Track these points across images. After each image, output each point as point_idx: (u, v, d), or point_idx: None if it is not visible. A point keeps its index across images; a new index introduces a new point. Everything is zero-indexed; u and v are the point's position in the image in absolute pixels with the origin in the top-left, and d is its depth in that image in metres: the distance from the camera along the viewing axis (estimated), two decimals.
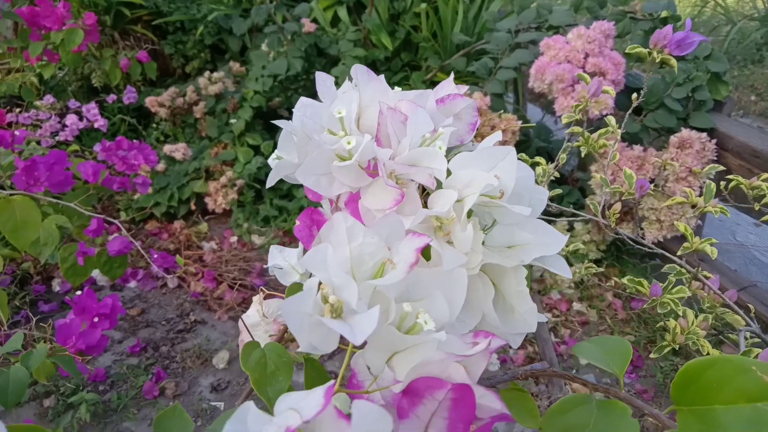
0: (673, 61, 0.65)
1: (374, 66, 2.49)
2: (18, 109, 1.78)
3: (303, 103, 0.43)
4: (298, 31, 2.40)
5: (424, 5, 2.57)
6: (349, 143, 0.36)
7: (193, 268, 2.00)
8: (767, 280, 2.00)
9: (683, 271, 0.69)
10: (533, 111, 2.77)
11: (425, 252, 0.35)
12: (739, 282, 1.78)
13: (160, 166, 2.38)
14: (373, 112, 0.41)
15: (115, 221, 1.08)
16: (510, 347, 1.77)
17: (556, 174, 0.82)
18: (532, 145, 2.16)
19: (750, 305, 0.65)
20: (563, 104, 1.72)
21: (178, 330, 1.86)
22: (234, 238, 2.25)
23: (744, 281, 1.82)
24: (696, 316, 0.61)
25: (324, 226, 0.31)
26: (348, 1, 2.64)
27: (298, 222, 0.40)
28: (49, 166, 1.04)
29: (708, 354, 0.58)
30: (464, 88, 0.47)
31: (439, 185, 0.37)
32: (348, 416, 0.22)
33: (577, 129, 0.72)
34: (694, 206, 0.65)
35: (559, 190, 0.77)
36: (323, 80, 0.43)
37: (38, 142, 1.68)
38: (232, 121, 2.45)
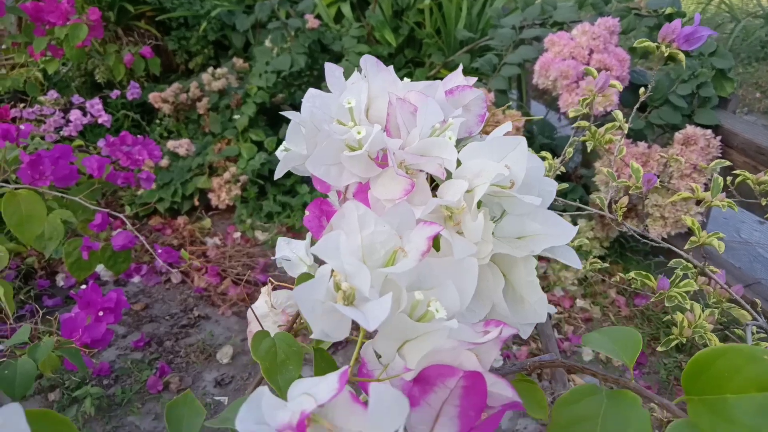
0: (682, 56, 0.65)
1: None
2: (22, 105, 1.79)
3: (312, 94, 0.43)
4: (301, 27, 2.39)
5: (427, 1, 2.57)
6: (359, 133, 0.36)
7: (198, 262, 2.01)
8: None
9: (689, 266, 0.69)
10: (536, 108, 2.76)
11: (435, 243, 0.35)
12: (744, 279, 1.77)
13: (164, 162, 2.38)
14: (382, 103, 0.41)
15: (120, 215, 1.08)
16: (513, 343, 1.77)
17: (562, 169, 0.82)
18: (536, 141, 2.15)
19: (756, 300, 0.65)
20: (568, 100, 1.72)
21: (182, 325, 1.86)
22: (237, 234, 2.25)
23: (748, 278, 1.81)
24: (702, 311, 0.61)
25: (335, 215, 0.31)
26: None
27: (307, 212, 0.40)
28: (54, 161, 1.04)
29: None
30: (473, 79, 0.47)
31: (449, 176, 0.37)
32: (362, 402, 0.22)
33: (583, 123, 0.72)
34: (699, 202, 0.65)
35: (565, 185, 0.77)
36: (332, 71, 0.43)
37: (42, 138, 1.68)
38: (236, 117, 2.45)
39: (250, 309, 0.43)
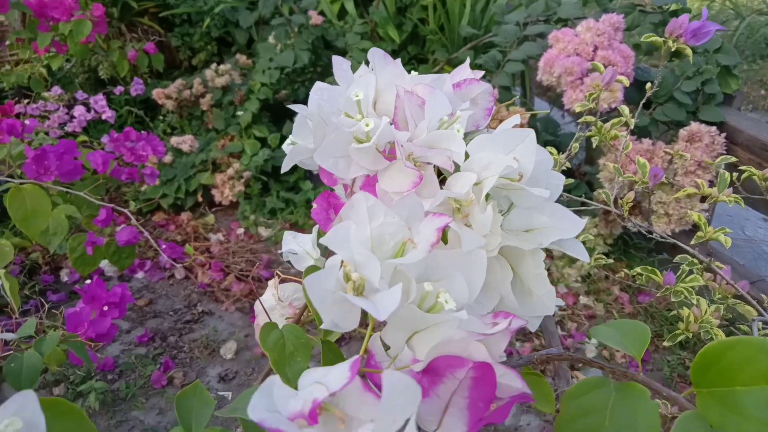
0: (689, 51, 0.65)
1: None
2: (26, 101, 1.79)
3: (319, 86, 0.43)
4: (305, 24, 2.39)
5: None
6: (367, 125, 0.36)
7: (203, 257, 2.01)
8: None
9: (695, 261, 0.69)
10: (540, 105, 2.75)
11: (442, 236, 0.35)
12: (748, 276, 1.77)
13: (167, 158, 2.38)
14: (390, 95, 0.41)
15: (125, 210, 1.08)
16: (516, 340, 1.76)
17: (567, 165, 0.82)
18: (539, 138, 2.13)
19: (764, 295, 0.65)
20: (572, 97, 1.72)
21: (186, 320, 1.87)
22: (241, 230, 2.25)
23: (753, 275, 1.81)
24: (708, 306, 0.61)
25: (345, 206, 0.31)
26: None
27: (314, 205, 0.40)
28: (59, 156, 1.04)
29: None
30: (480, 73, 0.46)
31: (457, 169, 0.37)
32: (374, 391, 0.22)
33: (590, 118, 0.72)
34: (703, 200, 0.65)
35: (570, 180, 0.77)
36: (339, 64, 0.43)
37: (46, 133, 1.69)
38: (239, 113, 2.45)
39: (257, 301, 0.43)
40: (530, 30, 2.02)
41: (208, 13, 2.73)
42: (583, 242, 0.81)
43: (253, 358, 1.72)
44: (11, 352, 0.74)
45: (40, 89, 2.08)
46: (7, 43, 1.99)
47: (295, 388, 0.23)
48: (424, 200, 0.35)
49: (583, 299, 1.91)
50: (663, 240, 0.67)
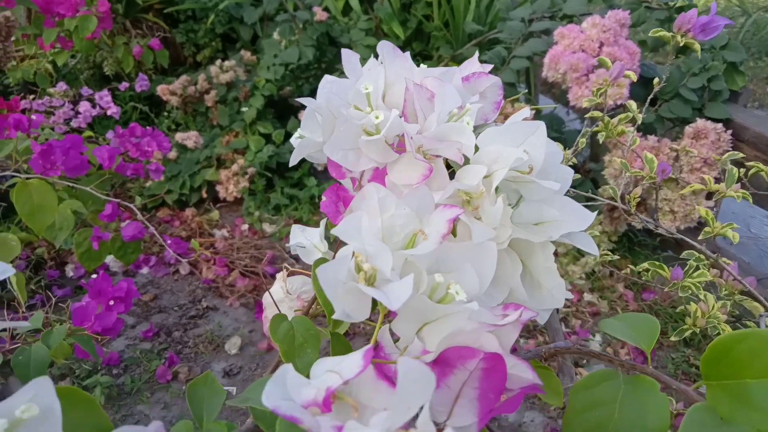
0: (697, 45, 0.65)
1: None
2: (32, 96, 1.79)
3: (328, 80, 0.43)
4: (309, 20, 2.39)
5: None
6: (377, 117, 0.36)
7: (209, 252, 2.02)
8: None
9: (702, 257, 0.69)
10: (544, 102, 2.74)
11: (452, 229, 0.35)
12: (753, 274, 1.76)
13: (172, 154, 2.39)
14: (399, 88, 0.41)
15: (131, 205, 1.09)
16: (520, 336, 1.76)
17: (574, 161, 0.81)
18: None
19: None
20: (577, 93, 1.71)
21: (191, 316, 1.87)
22: (245, 226, 2.26)
23: (758, 273, 1.81)
24: (716, 302, 0.61)
25: (356, 197, 0.31)
26: None
27: (324, 197, 0.40)
28: (65, 151, 1.04)
29: None
30: (489, 66, 0.46)
31: (467, 161, 0.37)
32: (387, 379, 0.22)
33: (597, 114, 0.72)
34: (709, 197, 0.65)
35: (577, 175, 0.77)
36: (348, 57, 0.43)
37: (52, 129, 1.69)
38: (244, 109, 2.45)
39: (266, 294, 0.43)
40: (535, 26, 2.01)
41: (212, 10, 2.73)
42: None
43: (258, 353, 1.72)
44: (19, 345, 0.74)
45: (46, 85, 2.09)
46: (13, 38, 2.00)
47: (309, 376, 0.23)
48: (433, 193, 0.35)
49: (587, 296, 1.91)
50: (672, 236, 0.67)
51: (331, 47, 2.48)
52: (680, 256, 0.73)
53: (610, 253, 0.82)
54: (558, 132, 2.23)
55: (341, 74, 0.45)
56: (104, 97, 1.93)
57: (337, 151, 0.38)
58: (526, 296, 0.35)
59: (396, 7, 2.58)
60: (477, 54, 0.48)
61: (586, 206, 0.39)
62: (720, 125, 1.70)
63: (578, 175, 0.79)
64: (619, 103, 1.66)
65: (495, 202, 0.34)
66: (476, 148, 0.37)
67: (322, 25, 2.40)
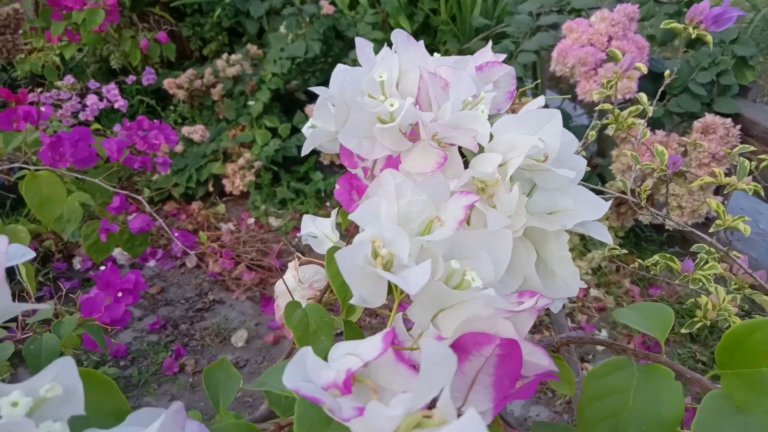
0: (709, 38, 0.64)
1: None
2: (39, 89, 1.80)
3: (341, 68, 0.43)
4: (316, 14, 2.38)
5: None
6: (392, 105, 0.36)
7: (216, 244, 2.02)
8: None
9: (712, 250, 0.68)
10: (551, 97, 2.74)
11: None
12: (762, 270, 1.75)
13: (179, 148, 2.39)
14: (413, 77, 0.41)
15: (139, 197, 1.09)
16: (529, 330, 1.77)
17: (583, 154, 0.81)
18: None
19: None
20: (585, 87, 1.70)
21: (197, 309, 1.88)
22: (251, 220, 2.26)
23: (766, 269, 1.80)
24: (726, 295, 0.60)
25: (372, 183, 0.31)
26: None
27: (337, 186, 0.40)
28: (74, 143, 1.05)
29: None
30: (502, 56, 0.46)
31: (481, 150, 0.37)
32: (406, 361, 0.22)
33: (607, 106, 0.72)
34: (717, 192, 0.65)
35: (588, 168, 0.77)
36: (363, 46, 0.43)
37: (59, 122, 1.70)
38: (250, 103, 2.45)
39: (279, 281, 0.43)
40: (543, 20, 2.00)
41: (219, 3, 2.73)
42: None
43: (264, 346, 1.73)
44: (30, 335, 0.75)
45: (54, 78, 2.10)
46: (21, 31, 2.00)
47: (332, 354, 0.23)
48: (448, 181, 0.35)
49: (593, 292, 1.91)
50: (682, 229, 0.67)
51: (337, 41, 2.48)
52: (688, 251, 0.73)
53: (618, 247, 0.82)
54: (565, 127, 2.22)
55: None
56: (111, 90, 1.94)
57: (351, 139, 0.38)
58: (541, 284, 0.35)
59: (403, 0, 2.58)
60: (490, 43, 0.48)
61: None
62: (729, 120, 1.69)
63: (588, 168, 0.79)
64: (627, 97, 1.65)
65: (510, 190, 0.34)
66: (491, 137, 0.37)
67: (328, 19, 2.39)
